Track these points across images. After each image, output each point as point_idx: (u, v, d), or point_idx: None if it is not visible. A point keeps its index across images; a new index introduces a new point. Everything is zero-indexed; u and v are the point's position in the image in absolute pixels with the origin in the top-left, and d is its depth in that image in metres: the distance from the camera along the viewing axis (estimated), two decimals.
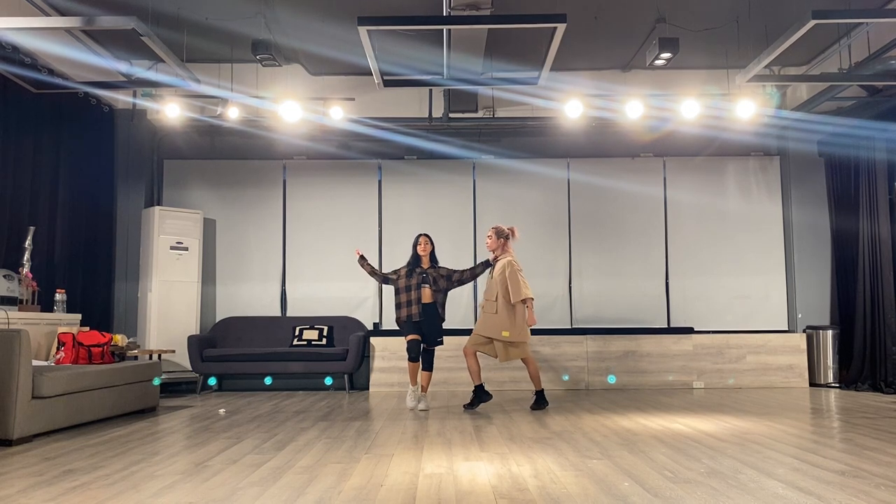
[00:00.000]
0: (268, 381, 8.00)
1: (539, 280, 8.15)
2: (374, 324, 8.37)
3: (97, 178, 7.92)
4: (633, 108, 7.44)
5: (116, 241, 8.16)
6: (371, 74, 6.93)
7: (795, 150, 8.44)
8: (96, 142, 7.92)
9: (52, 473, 3.49)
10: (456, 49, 6.76)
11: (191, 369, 7.67)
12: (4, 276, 5.98)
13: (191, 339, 7.62)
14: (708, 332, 8.08)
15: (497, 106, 8.40)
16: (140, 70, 7.90)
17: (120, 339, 6.63)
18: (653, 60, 6.85)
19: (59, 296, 6.66)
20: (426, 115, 8.28)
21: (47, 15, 6.35)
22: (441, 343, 6.12)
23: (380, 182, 8.61)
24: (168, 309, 7.83)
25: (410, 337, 5.96)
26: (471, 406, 5.96)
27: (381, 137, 8.39)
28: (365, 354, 7.83)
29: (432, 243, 6.23)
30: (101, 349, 5.96)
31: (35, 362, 5.24)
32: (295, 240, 8.53)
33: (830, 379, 7.80)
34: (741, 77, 6.78)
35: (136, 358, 7.08)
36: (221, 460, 3.80)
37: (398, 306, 6.07)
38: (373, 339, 7.82)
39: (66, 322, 6.45)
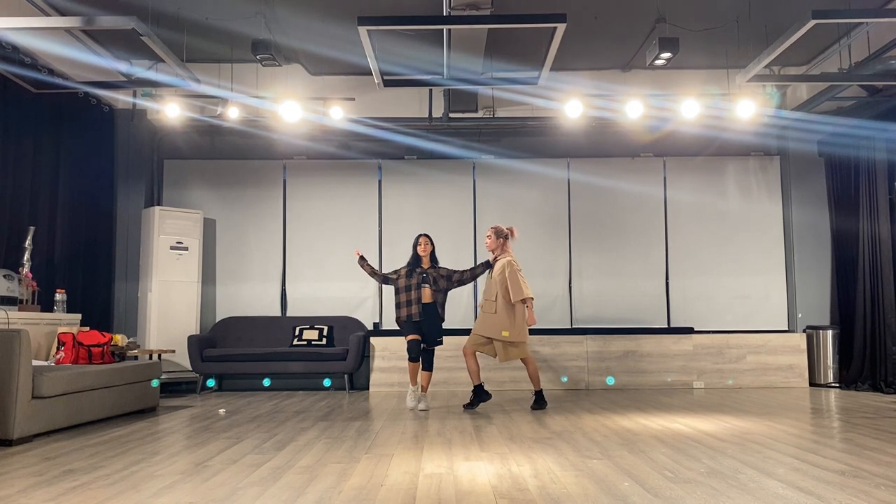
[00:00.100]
0: (266, 382, 8.00)
1: (539, 280, 8.15)
2: (374, 324, 8.37)
3: (97, 178, 7.92)
4: (633, 108, 7.44)
5: (116, 241, 8.16)
6: (371, 74, 6.93)
7: (795, 150, 8.44)
8: (96, 142, 7.92)
9: (52, 473, 3.49)
10: (456, 49, 6.76)
11: (191, 369, 7.67)
12: (4, 276, 5.98)
13: (191, 339, 7.62)
14: (708, 332, 8.08)
15: (497, 106, 8.40)
16: (140, 70, 7.90)
17: (120, 339, 6.62)
18: (653, 60, 6.85)
19: (59, 296, 6.66)
20: (426, 115, 8.28)
21: (47, 15, 6.35)
22: (441, 343, 6.12)
23: (380, 182, 8.61)
24: (168, 309, 7.83)
25: (410, 337, 5.96)
26: (471, 406, 5.96)
27: (381, 137, 8.39)
28: (365, 354, 7.83)
29: (432, 243, 6.23)
30: (101, 349, 5.96)
31: (35, 362, 5.24)
32: (295, 240, 8.53)
33: (830, 379, 7.81)
34: (741, 77, 6.78)
35: (136, 358, 7.07)
36: (221, 460, 3.80)
37: (398, 306, 6.07)
38: (373, 339, 7.82)
39: (66, 322, 6.45)
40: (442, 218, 8.47)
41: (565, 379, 7.75)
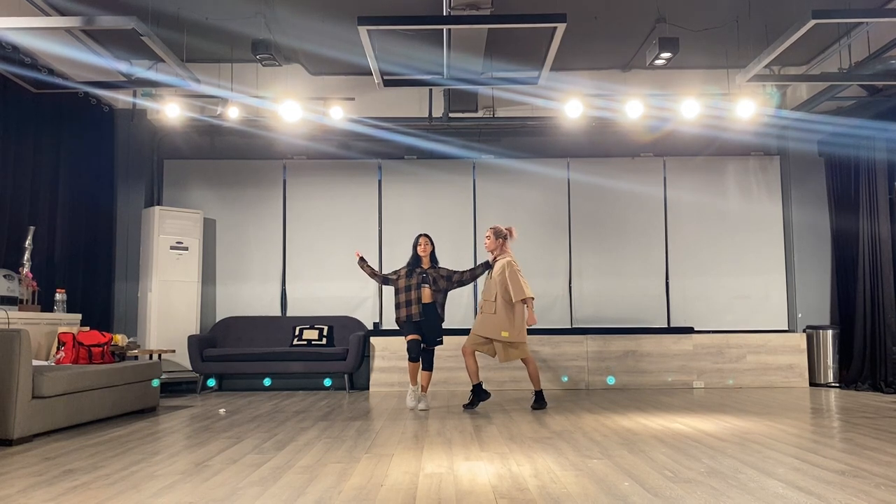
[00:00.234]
0: (266, 382, 8.01)
1: (539, 280, 8.15)
2: (375, 324, 8.37)
3: (97, 178, 7.92)
4: (633, 107, 7.44)
5: (116, 241, 8.16)
6: (371, 74, 6.93)
7: (795, 150, 8.44)
8: (96, 142, 7.92)
9: (52, 473, 3.49)
10: (456, 49, 6.76)
11: (191, 369, 7.67)
12: (4, 276, 5.98)
13: (191, 338, 7.62)
14: (708, 331, 8.08)
15: (497, 106, 8.40)
16: (140, 70, 7.90)
17: (120, 339, 6.63)
18: (653, 60, 6.85)
19: (59, 296, 6.66)
20: (426, 115, 8.28)
21: (47, 15, 6.35)
22: (441, 343, 6.12)
23: (380, 182, 8.61)
24: (168, 309, 7.83)
25: (410, 337, 5.96)
26: (470, 406, 5.96)
27: (381, 137, 8.39)
28: (365, 354, 7.83)
29: (432, 243, 6.23)
30: (101, 349, 5.96)
31: (35, 362, 5.24)
32: (295, 240, 8.53)
33: (830, 379, 7.81)
34: (741, 77, 6.78)
35: (136, 358, 7.08)
36: (221, 460, 3.80)
37: (398, 306, 6.07)
38: (373, 339, 7.82)
39: (67, 322, 6.45)
40: (442, 218, 8.47)
41: (566, 379, 7.75)
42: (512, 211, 8.40)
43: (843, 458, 3.72)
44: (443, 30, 6.43)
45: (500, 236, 6.13)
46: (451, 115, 8.22)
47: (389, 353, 7.76)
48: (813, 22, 5.50)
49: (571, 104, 7.43)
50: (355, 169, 8.61)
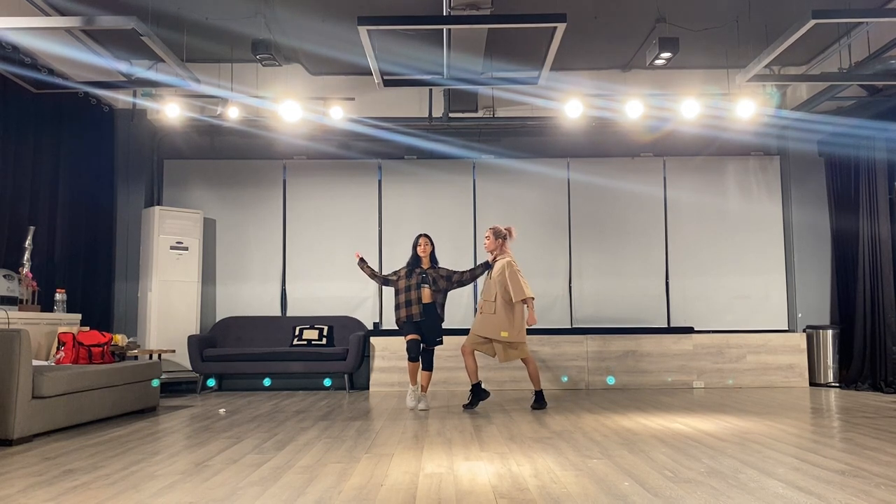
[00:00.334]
0: (266, 382, 8.01)
1: (539, 280, 8.15)
2: (374, 323, 8.37)
3: (97, 178, 7.92)
4: (633, 107, 7.44)
5: (116, 241, 8.16)
6: (371, 74, 6.93)
7: (795, 150, 8.44)
8: (96, 142, 7.92)
9: (52, 473, 3.49)
10: (456, 49, 6.76)
11: (191, 369, 7.67)
12: (4, 276, 5.98)
13: (191, 338, 7.62)
14: (708, 331, 8.08)
15: (497, 106, 8.40)
16: (140, 70, 7.90)
17: (120, 339, 6.63)
18: (653, 60, 6.85)
19: (59, 296, 6.66)
20: (426, 115, 8.28)
21: (47, 15, 6.35)
22: (441, 343, 6.12)
23: (380, 182, 8.61)
24: (168, 309, 7.83)
25: (410, 337, 5.96)
26: (470, 406, 5.96)
27: (381, 137, 8.39)
28: (365, 354, 7.83)
29: (432, 244, 6.22)
30: (101, 349, 5.96)
31: (35, 362, 5.24)
32: (295, 240, 8.53)
33: (830, 378, 7.81)
34: (741, 77, 6.78)
35: (136, 358, 7.07)
36: (221, 460, 3.80)
37: (398, 307, 6.07)
38: (373, 339, 7.82)
39: (66, 322, 6.45)
40: (442, 218, 8.47)
41: (566, 379, 7.75)
42: (512, 211, 8.40)
43: (843, 458, 3.72)
44: (443, 30, 6.43)
45: (500, 236, 6.13)
46: (451, 115, 8.22)
47: (389, 353, 7.76)
48: (813, 22, 5.50)
49: (571, 104, 7.43)
50: (355, 169, 8.61)
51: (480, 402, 6.07)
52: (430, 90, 8.25)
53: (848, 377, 7.70)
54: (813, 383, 7.88)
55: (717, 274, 8.49)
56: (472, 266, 7.54)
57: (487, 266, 6.20)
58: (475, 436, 4.59)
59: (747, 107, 7.39)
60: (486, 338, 5.95)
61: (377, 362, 7.78)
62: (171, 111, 7.64)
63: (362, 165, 8.62)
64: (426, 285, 6.04)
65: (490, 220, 7.97)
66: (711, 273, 8.50)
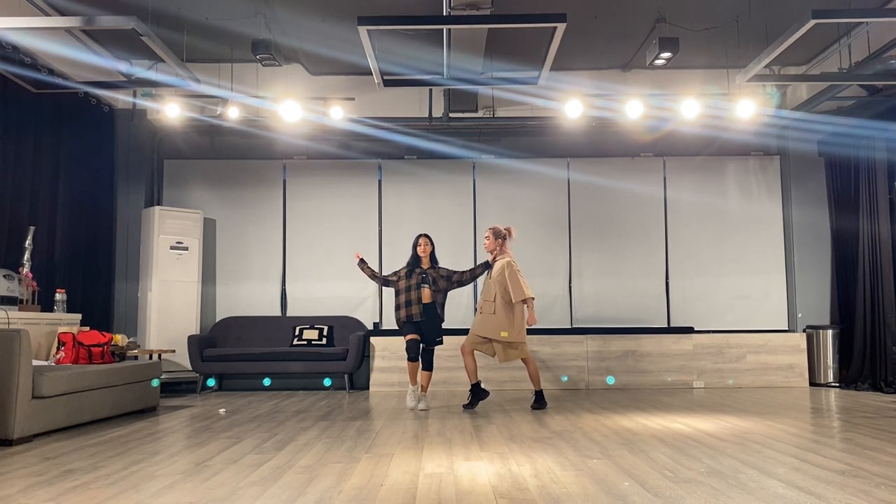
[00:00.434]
0: (266, 382, 8.01)
1: (539, 280, 8.15)
2: (374, 323, 8.37)
3: (97, 178, 7.92)
4: (633, 107, 7.44)
5: (116, 241, 8.16)
6: (371, 74, 6.93)
7: (795, 150, 8.44)
8: (96, 142, 7.92)
9: (52, 473, 3.49)
10: (456, 49, 6.76)
11: (191, 369, 7.67)
12: (4, 276, 5.98)
13: (191, 338, 7.62)
14: (708, 331, 8.08)
15: (497, 106, 8.40)
16: (140, 70, 7.90)
17: (120, 339, 6.62)
18: (653, 60, 6.85)
19: (59, 296, 6.66)
20: (426, 115, 8.28)
21: (47, 15, 6.35)
22: (441, 343, 6.12)
23: (380, 182, 8.61)
24: (168, 309, 7.83)
25: (409, 337, 5.96)
26: (470, 406, 5.96)
27: (381, 137, 8.39)
28: (365, 354, 7.83)
29: (432, 244, 6.22)
30: (101, 349, 5.96)
31: (35, 362, 5.24)
32: (295, 240, 8.53)
33: (830, 378, 7.81)
34: (741, 77, 6.77)
35: (136, 358, 7.08)
36: (221, 460, 3.80)
37: (398, 307, 6.07)
38: (373, 339, 7.82)
39: (66, 322, 6.45)
40: (442, 218, 8.47)
41: (566, 379, 7.75)
42: (512, 211, 8.40)
43: (843, 458, 3.72)
44: (443, 30, 6.43)
45: (500, 236, 6.13)
46: (451, 115, 8.22)
47: (389, 353, 7.76)
48: (813, 22, 5.50)
49: (571, 104, 7.43)
50: (355, 169, 8.61)
51: (480, 402, 6.07)
52: (430, 90, 8.25)
53: (848, 377, 7.70)
54: (813, 383, 7.88)
55: (717, 274, 8.49)
56: (472, 266, 7.54)
57: (487, 266, 6.20)
58: (475, 436, 4.59)
59: (747, 107, 7.39)
60: (485, 338, 5.95)
61: (377, 362, 7.78)
62: (171, 111, 7.64)
63: (362, 165, 8.62)
64: (426, 285, 6.04)
65: (490, 220, 7.97)
66: (711, 273, 8.50)
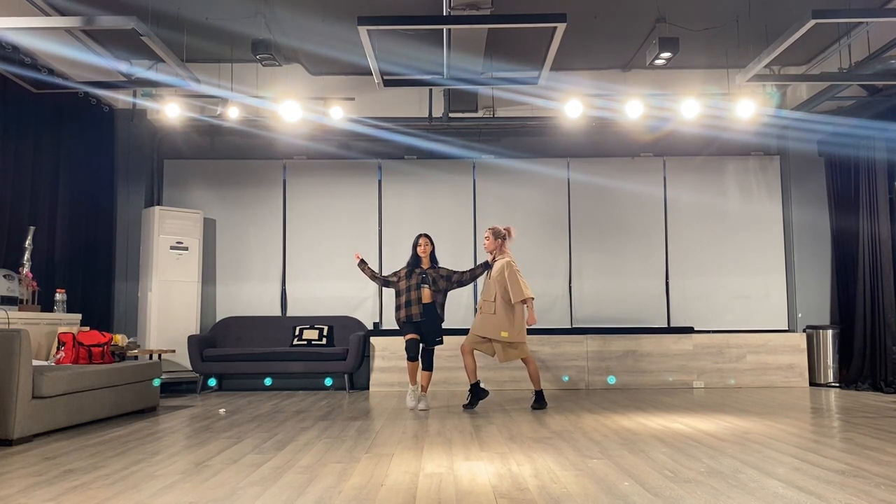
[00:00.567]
0: (267, 381, 8.01)
1: (539, 280, 8.15)
2: (375, 323, 8.37)
3: (97, 178, 7.92)
4: (633, 107, 7.44)
5: (116, 241, 8.16)
6: (371, 74, 6.93)
7: (795, 150, 8.45)
8: (96, 142, 7.92)
9: (52, 473, 3.49)
10: (456, 49, 6.76)
11: (191, 369, 7.67)
12: (4, 276, 5.98)
13: (191, 338, 7.62)
14: (708, 331, 8.08)
15: (497, 106, 8.40)
16: (140, 70, 7.90)
17: (120, 339, 6.62)
18: (653, 60, 6.85)
19: (59, 296, 6.66)
20: (426, 115, 8.28)
21: (47, 15, 6.35)
22: (441, 343, 6.12)
23: (380, 182, 8.61)
24: (168, 309, 7.83)
25: (409, 336, 5.96)
26: (470, 406, 5.96)
27: (381, 137, 8.39)
28: (365, 354, 7.83)
29: (432, 244, 6.22)
30: (101, 349, 5.96)
31: (35, 362, 5.24)
32: (295, 240, 8.53)
33: (830, 378, 7.81)
34: (741, 77, 6.78)
35: (136, 358, 7.07)
36: (221, 460, 3.80)
37: (398, 307, 6.07)
38: (373, 339, 7.82)
39: (67, 322, 6.45)
40: (442, 218, 8.47)
41: (566, 378, 7.75)
42: (512, 211, 8.40)
43: (843, 458, 3.72)
44: (443, 30, 6.43)
45: (499, 236, 6.13)
46: (451, 115, 8.22)
47: (389, 353, 7.76)
48: (813, 22, 5.50)
49: (571, 104, 7.43)
50: (355, 169, 8.61)
51: (480, 402, 6.07)
52: (430, 90, 8.25)
53: (848, 377, 7.70)
54: (813, 383, 7.88)
55: (717, 274, 8.49)
56: (472, 266, 7.55)
57: (487, 266, 6.20)
58: (475, 436, 4.59)
59: (747, 107, 7.39)
60: (485, 337, 5.95)
61: (377, 362, 7.78)
62: (171, 111, 7.64)
63: (362, 165, 8.62)
64: (426, 285, 6.04)
65: (490, 220, 7.97)
66: (711, 273, 8.50)
